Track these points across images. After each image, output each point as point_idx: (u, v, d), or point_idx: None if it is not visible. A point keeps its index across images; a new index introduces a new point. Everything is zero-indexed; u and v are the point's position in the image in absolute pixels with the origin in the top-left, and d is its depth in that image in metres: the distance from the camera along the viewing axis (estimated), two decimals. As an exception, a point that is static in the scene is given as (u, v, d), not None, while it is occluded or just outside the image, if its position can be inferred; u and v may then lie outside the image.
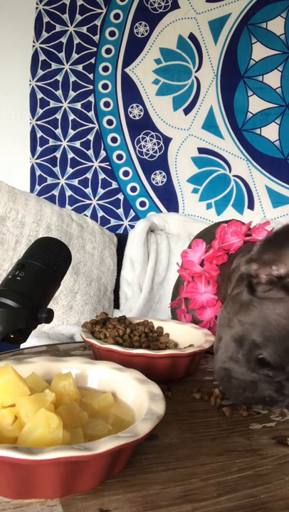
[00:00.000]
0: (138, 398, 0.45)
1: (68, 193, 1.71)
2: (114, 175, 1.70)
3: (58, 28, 1.66)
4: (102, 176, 1.70)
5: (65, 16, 1.66)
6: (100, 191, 1.70)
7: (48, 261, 0.64)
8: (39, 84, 1.68)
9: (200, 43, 1.61)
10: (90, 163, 1.70)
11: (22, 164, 1.72)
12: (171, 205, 1.68)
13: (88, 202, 1.71)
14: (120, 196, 1.70)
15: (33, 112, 1.69)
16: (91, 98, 1.68)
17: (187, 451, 0.45)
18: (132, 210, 1.70)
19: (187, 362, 0.62)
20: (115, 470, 0.39)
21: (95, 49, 1.66)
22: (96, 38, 1.66)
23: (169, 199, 1.68)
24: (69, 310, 1.24)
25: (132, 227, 1.59)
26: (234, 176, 1.64)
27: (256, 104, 1.60)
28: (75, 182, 1.70)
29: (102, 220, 1.70)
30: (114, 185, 1.70)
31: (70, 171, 1.70)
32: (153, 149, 1.67)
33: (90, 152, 1.70)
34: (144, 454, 0.43)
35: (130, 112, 1.67)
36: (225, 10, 1.59)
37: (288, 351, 0.51)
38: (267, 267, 0.53)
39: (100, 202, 1.70)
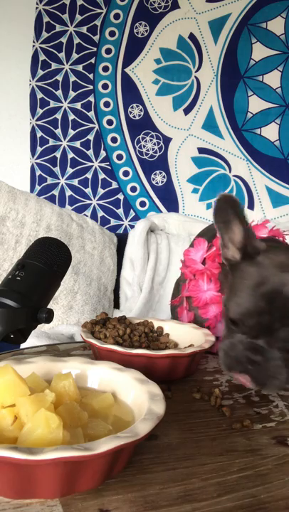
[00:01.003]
0: (138, 398, 0.45)
1: (68, 193, 1.71)
2: (114, 175, 1.70)
3: (58, 28, 1.66)
4: (102, 176, 1.70)
5: (65, 16, 1.66)
6: (100, 191, 1.70)
7: (48, 261, 0.64)
8: (39, 84, 1.68)
9: (200, 43, 1.61)
10: (90, 163, 1.70)
11: (22, 164, 1.72)
12: (171, 205, 1.68)
13: (88, 202, 1.71)
14: (120, 196, 1.70)
15: (33, 112, 1.69)
16: (91, 98, 1.68)
17: (187, 451, 0.45)
18: (132, 210, 1.70)
19: (187, 362, 0.62)
20: (115, 470, 0.39)
21: (95, 49, 1.66)
22: (96, 38, 1.66)
23: (169, 199, 1.68)
24: (69, 310, 1.24)
25: (132, 227, 1.59)
26: (234, 176, 1.64)
27: (256, 104, 1.60)
28: (75, 182, 1.70)
29: (102, 220, 1.70)
30: (114, 185, 1.70)
31: (70, 171, 1.70)
32: (153, 149, 1.67)
33: (90, 152, 1.70)
34: (144, 454, 0.43)
35: (130, 112, 1.67)
36: (225, 10, 1.59)
37: (240, 305, 0.56)
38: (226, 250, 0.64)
39: (100, 202, 1.70)
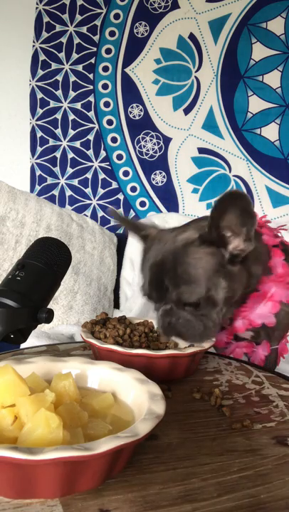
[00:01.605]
0: (138, 398, 0.45)
1: (68, 193, 1.71)
2: (114, 175, 1.70)
3: (58, 28, 1.66)
4: (102, 176, 1.70)
5: (65, 16, 1.66)
6: (100, 191, 1.70)
7: (48, 261, 0.64)
8: (39, 84, 1.68)
9: (200, 43, 1.61)
10: (90, 163, 1.70)
11: (22, 164, 1.72)
12: (171, 205, 1.68)
13: (88, 202, 1.71)
14: (120, 196, 1.70)
15: (33, 112, 1.69)
16: (91, 98, 1.68)
17: (187, 451, 0.45)
18: (132, 210, 1.70)
19: (187, 362, 0.62)
20: (115, 470, 0.39)
21: (95, 49, 1.66)
22: (96, 38, 1.66)
23: (169, 199, 1.68)
24: (69, 310, 1.24)
25: (132, 227, 1.59)
26: (234, 175, 1.64)
27: (256, 104, 1.60)
28: (75, 182, 1.70)
29: (102, 220, 1.70)
30: (114, 185, 1.70)
31: (70, 171, 1.70)
32: (153, 149, 1.67)
33: (90, 152, 1.70)
34: (144, 454, 0.43)
35: (130, 112, 1.67)
36: (225, 10, 1.59)
37: (141, 280, 0.69)
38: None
39: (100, 202, 1.70)
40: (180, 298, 0.63)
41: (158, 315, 0.66)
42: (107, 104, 1.68)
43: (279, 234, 0.80)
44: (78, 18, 1.65)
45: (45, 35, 1.67)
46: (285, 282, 0.73)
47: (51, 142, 1.70)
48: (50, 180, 1.71)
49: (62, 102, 1.69)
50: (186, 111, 1.64)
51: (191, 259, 0.63)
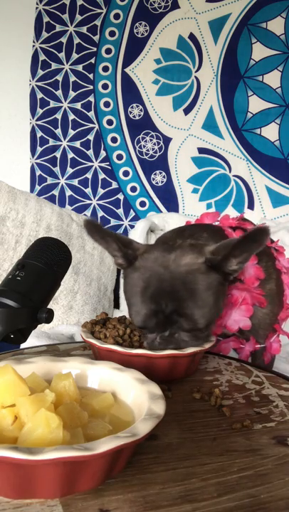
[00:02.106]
0: (138, 398, 0.45)
1: (68, 193, 1.71)
2: (114, 175, 1.70)
3: (58, 28, 1.66)
4: (102, 176, 1.70)
5: (65, 16, 1.66)
6: (100, 191, 1.70)
7: (48, 261, 0.64)
8: (39, 84, 1.68)
9: (200, 43, 1.61)
10: (90, 163, 1.70)
11: (22, 164, 1.72)
12: (171, 205, 1.68)
13: (88, 202, 1.71)
14: (120, 196, 1.70)
15: (33, 112, 1.69)
16: (91, 98, 1.68)
17: (187, 451, 0.45)
18: (132, 210, 1.70)
19: (187, 362, 0.62)
20: (115, 470, 0.39)
21: (95, 49, 1.66)
22: (96, 38, 1.66)
23: (169, 199, 1.68)
24: (69, 310, 1.24)
25: (132, 227, 1.59)
26: (234, 176, 1.64)
27: (256, 104, 1.60)
28: (75, 182, 1.70)
29: (102, 220, 1.70)
30: (114, 185, 1.70)
31: (70, 171, 1.70)
32: (153, 149, 1.67)
33: (90, 152, 1.70)
34: (144, 454, 0.43)
35: (130, 112, 1.67)
36: (225, 10, 1.59)
37: (138, 312, 0.64)
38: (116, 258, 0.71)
39: (100, 202, 1.70)
40: (196, 325, 0.62)
41: (152, 342, 0.63)
42: (107, 104, 1.68)
43: None
44: (78, 18, 1.65)
45: (45, 35, 1.67)
46: (253, 287, 0.73)
47: (51, 142, 1.70)
48: (50, 180, 1.71)
49: (62, 102, 1.69)
50: (186, 111, 1.64)
51: (201, 286, 0.62)
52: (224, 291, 0.66)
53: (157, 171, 1.67)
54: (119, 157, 1.69)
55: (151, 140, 1.67)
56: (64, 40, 1.67)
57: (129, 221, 1.69)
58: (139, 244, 0.69)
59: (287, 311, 0.81)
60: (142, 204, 1.69)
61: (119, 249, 0.65)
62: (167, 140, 1.66)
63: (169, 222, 1.57)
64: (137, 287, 0.63)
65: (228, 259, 0.63)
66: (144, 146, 1.67)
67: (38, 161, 1.70)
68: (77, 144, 1.69)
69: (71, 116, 1.69)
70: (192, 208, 1.66)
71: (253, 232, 0.60)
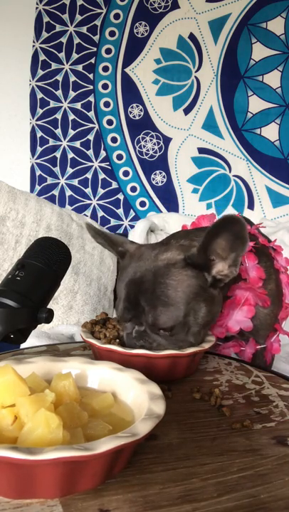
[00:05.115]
0: (138, 398, 0.45)
1: (68, 193, 1.71)
2: (114, 175, 1.70)
3: (58, 28, 1.66)
4: (102, 176, 1.70)
5: (65, 16, 1.66)
6: (100, 191, 1.70)
7: (47, 261, 0.64)
8: (39, 84, 1.68)
9: (200, 43, 1.61)
10: (90, 163, 1.70)
11: (22, 164, 1.72)
12: (171, 205, 1.68)
13: (88, 202, 1.71)
14: (120, 196, 1.70)
15: (33, 112, 1.69)
16: (91, 98, 1.68)
17: (187, 451, 0.45)
18: (132, 210, 1.70)
19: (187, 362, 0.62)
20: (115, 470, 0.39)
21: (95, 49, 1.66)
22: (96, 38, 1.66)
23: (169, 199, 1.68)
24: (69, 310, 1.24)
25: (132, 227, 1.59)
26: (234, 176, 1.64)
27: (256, 104, 1.60)
28: (75, 182, 1.70)
29: (102, 220, 1.70)
30: (114, 185, 1.70)
31: (70, 171, 1.70)
32: (153, 149, 1.67)
33: (90, 152, 1.70)
34: (144, 454, 0.43)
35: (130, 112, 1.67)
36: (225, 10, 1.59)
37: (118, 298, 0.67)
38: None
39: (100, 202, 1.70)
40: (156, 321, 0.60)
41: (128, 336, 0.62)
42: (107, 104, 1.68)
43: (256, 232, 0.81)
44: (78, 18, 1.65)
45: (45, 35, 1.67)
46: (257, 287, 0.72)
47: (51, 142, 1.70)
48: (50, 180, 1.71)
49: (62, 102, 1.69)
50: (186, 111, 1.64)
51: (172, 281, 0.60)
52: (206, 295, 0.62)
53: (157, 171, 1.67)
54: (119, 157, 1.69)
55: (151, 140, 1.67)
56: (64, 40, 1.67)
57: (129, 221, 1.69)
58: (133, 244, 0.71)
59: (287, 310, 0.81)
60: (142, 204, 1.69)
61: (111, 247, 0.70)
62: (167, 140, 1.66)
63: (169, 222, 1.57)
64: (119, 281, 0.66)
65: (208, 257, 0.61)
66: (144, 146, 1.67)
67: (38, 161, 1.70)
68: (77, 144, 1.69)
69: (71, 116, 1.69)
70: (192, 208, 1.66)
71: (222, 219, 0.58)
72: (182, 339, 0.62)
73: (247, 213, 1.62)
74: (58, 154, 1.70)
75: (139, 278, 0.62)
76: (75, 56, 1.67)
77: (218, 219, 0.59)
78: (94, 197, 1.70)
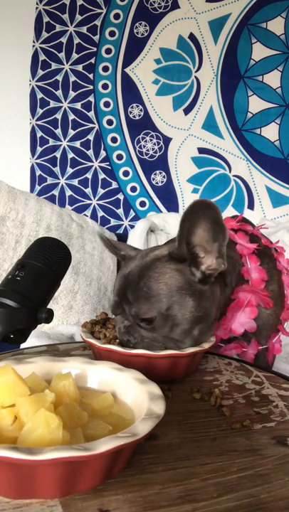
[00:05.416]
0: (138, 398, 0.45)
1: (68, 193, 1.71)
2: (114, 175, 1.70)
3: (58, 28, 1.66)
4: (102, 176, 1.70)
5: (65, 16, 1.66)
6: (100, 191, 1.70)
7: (47, 261, 0.64)
8: (39, 84, 1.68)
9: (200, 43, 1.61)
10: (90, 163, 1.70)
11: (22, 164, 1.72)
12: (171, 205, 1.68)
13: (88, 202, 1.71)
14: (120, 196, 1.70)
15: (33, 112, 1.69)
16: (91, 98, 1.68)
17: (187, 451, 0.45)
18: (132, 210, 1.70)
19: (187, 362, 0.62)
20: (115, 470, 0.39)
21: (95, 49, 1.66)
22: (96, 38, 1.66)
23: (169, 199, 1.68)
24: (69, 310, 1.24)
25: (132, 227, 1.59)
26: (234, 176, 1.64)
27: (256, 104, 1.60)
28: (75, 182, 1.70)
29: (102, 220, 1.70)
30: (114, 185, 1.70)
31: (70, 171, 1.70)
32: (153, 149, 1.67)
33: (90, 152, 1.70)
34: (144, 454, 0.43)
35: (130, 112, 1.67)
36: (225, 10, 1.59)
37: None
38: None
39: (100, 202, 1.70)
40: (137, 312, 0.60)
41: (119, 331, 0.64)
42: (107, 104, 1.68)
43: (258, 234, 0.81)
44: (78, 18, 1.66)
45: (45, 35, 1.67)
46: (259, 289, 0.73)
47: (51, 142, 1.70)
48: (50, 180, 1.71)
49: (62, 102, 1.69)
50: (186, 111, 1.64)
51: (155, 273, 0.61)
52: (193, 290, 0.61)
53: (157, 171, 1.67)
54: (119, 157, 1.69)
55: (151, 140, 1.67)
56: (64, 40, 1.67)
57: (129, 221, 1.69)
58: (134, 250, 0.74)
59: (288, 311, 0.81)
60: (142, 204, 1.69)
61: (115, 253, 0.74)
62: (167, 140, 1.66)
63: (169, 222, 1.57)
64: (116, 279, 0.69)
65: (194, 252, 0.61)
66: (144, 146, 1.67)
67: (38, 161, 1.70)
68: (77, 144, 1.69)
69: (71, 116, 1.69)
70: (192, 208, 1.66)
71: (193, 204, 0.57)
72: (165, 335, 0.61)
73: (247, 213, 1.62)
74: (58, 154, 1.70)
75: (128, 273, 0.64)
76: (75, 56, 1.67)
77: (190, 204, 0.57)
78: (94, 197, 1.70)
